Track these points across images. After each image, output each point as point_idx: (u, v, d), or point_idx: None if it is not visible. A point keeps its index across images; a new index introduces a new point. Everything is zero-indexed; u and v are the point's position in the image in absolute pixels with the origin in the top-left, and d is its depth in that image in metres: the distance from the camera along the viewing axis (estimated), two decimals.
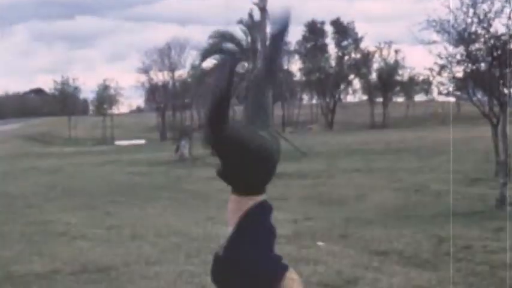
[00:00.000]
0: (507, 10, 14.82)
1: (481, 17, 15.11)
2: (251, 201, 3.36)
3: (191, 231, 11.38)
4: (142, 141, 72.94)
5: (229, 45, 37.91)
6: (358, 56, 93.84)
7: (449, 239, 9.63)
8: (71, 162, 35.77)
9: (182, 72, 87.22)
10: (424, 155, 28.02)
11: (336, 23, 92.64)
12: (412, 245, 9.58)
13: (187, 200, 16.95)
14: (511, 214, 12.62)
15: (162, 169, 28.08)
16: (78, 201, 16.84)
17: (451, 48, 15.91)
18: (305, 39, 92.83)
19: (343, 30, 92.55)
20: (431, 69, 16.80)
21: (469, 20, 15.33)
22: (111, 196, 18.00)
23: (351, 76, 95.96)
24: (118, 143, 71.63)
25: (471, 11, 15.19)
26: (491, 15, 15.03)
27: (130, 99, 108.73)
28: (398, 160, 26.69)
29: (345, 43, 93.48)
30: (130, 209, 15.11)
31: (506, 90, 15.63)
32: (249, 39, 36.18)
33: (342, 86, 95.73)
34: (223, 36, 37.44)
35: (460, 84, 17.06)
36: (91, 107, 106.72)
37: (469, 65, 15.77)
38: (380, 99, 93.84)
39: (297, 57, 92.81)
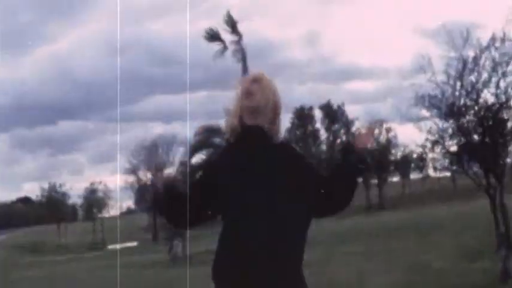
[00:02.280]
0: (495, 79, 14.71)
1: (469, 89, 14.99)
2: None
3: None
4: (135, 243, 72.20)
5: (217, 139, 37.96)
6: (350, 138, 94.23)
7: None
8: (62, 270, 35.22)
9: (171, 170, 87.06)
10: (423, 233, 27.65)
11: (325, 107, 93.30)
12: None
13: None
14: None
15: (154, 271, 27.61)
16: None
17: (441, 124, 15.75)
18: (294, 126, 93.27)
19: (332, 114, 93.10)
20: (423, 146, 16.62)
21: (457, 93, 15.21)
22: None
23: None
24: (111, 247, 70.91)
25: (458, 83, 15.07)
26: (479, 86, 14.92)
27: (120, 201, 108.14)
28: (399, 241, 26.29)
29: (335, 127, 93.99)
30: None
31: (501, 161, 15.43)
32: None
33: None
34: (210, 131, 37.34)
35: (454, 159, 16.79)
36: (80, 212, 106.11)
37: (462, 138, 15.59)
38: (375, 181, 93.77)
39: None
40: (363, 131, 3.91)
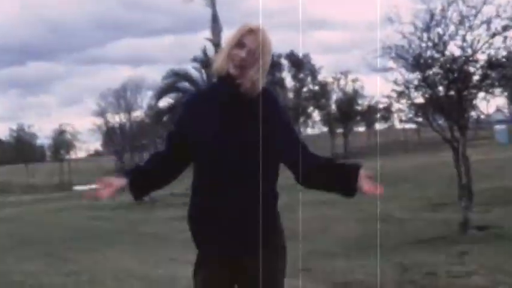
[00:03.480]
0: (461, 32, 14.76)
1: (436, 40, 15.02)
2: None
3: (151, 273, 10.98)
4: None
5: (185, 84, 37.78)
6: (316, 87, 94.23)
7: (413, 267, 9.59)
8: (29, 210, 35.14)
9: (139, 114, 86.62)
10: (387, 184, 27.84)
11: (291, 56, 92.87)
12: (375, 275, 9.30)
13: (147, 243, 16.56)
14: (475, 237, 12.60)
15: (121, 212, 27.64)
16: (36, 249, 16.33)
17: (407, 75, 15.79)
18: None
19: (298, 63, 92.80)
20: (389, 97, 16.65)
21: (423, 45, 15.24)
22: (70, 242, 17.64)
23: (310, 108, 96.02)
24: (76, 188, 70.68)
25: (425, 35, 15.10)
26: (445, 38, 14.96)
27: (88, 143, 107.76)
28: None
29: (301, 75, 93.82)
30: (89, 254, 14.63)
31: (465, 114, 15.56)
32: (204, 76, 35.90)
33: (302, 119, 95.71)
34: (178, 75, 37.17)
35: (420, 110, 16.89)
36: (48, 153, 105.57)
37: (427, 90, 15.66)
38: (340, 130, 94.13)
39: None
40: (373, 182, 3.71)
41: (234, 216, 3.49)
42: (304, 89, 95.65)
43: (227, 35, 3.94)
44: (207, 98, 3.73)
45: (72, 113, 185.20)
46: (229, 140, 3.50)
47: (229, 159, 3.48)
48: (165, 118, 40.78)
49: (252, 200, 3.51)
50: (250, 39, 3.58)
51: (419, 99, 16.25)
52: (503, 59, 15.22)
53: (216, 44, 28.08)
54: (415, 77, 15.67)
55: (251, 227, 3.52)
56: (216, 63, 3.67)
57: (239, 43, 3.58)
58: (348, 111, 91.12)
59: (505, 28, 14.42)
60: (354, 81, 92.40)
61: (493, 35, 14.55)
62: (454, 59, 15.07)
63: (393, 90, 16.04)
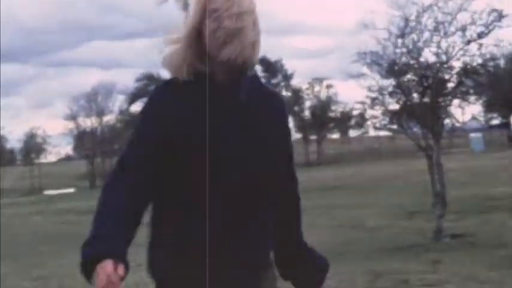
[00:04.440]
0: (436, 39, 14.67)
1: (410, 47, 14.92)
2: None
3: None
4: (72, 190, 71.58)
5: None
6: (290, 93, 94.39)
7: (385, 274, 9.47)
8: None
9: (110, 118, 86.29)
10: (360, 191, 27.86)
11: (263, 61, 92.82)
12: (346, 282, 9.25)
13: None
14: (448, 246, 12.58)
15: (91, 217, 27.32)
16: (5, 253, 16.10)
17: (380, 81, 15.69)
18: None
19: (271, 68, 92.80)
20: (363, 103, 16.55)
21: (398, 51, 15.14)
22: (39, 247, 17.62)
23: None
24: (47, 192, 70.22)
25: (400, 41, 15.00)
26: (420, 44, 14.86)
27: (59, 147, 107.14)
28: (335, 197, 26.45)
29: (274, 81, 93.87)
30: (58, 259, 14.55)
31: (439, 121, 15.48)
32: None
33: None
34: (150, 79, 37.01)
35: (394, 117, 16.80)
36: (18, 157, 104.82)
37: (401, 96, 15.57)
38: (314, 137, 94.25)
39: None
40: None
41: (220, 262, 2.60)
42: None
43: None
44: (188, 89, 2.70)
45: (43, 116, 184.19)
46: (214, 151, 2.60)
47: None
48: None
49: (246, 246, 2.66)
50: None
51: (394, 106, 16.16)
52: (478, 67, 15.19)
53: None
54: (389, 83, 15.60)
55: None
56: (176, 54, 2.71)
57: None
58: (322, 117, 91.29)
59: (480, 35, 14.36)
60: (328, 87, 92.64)
61: (468, 42, 14.49)
62: (428, 66, 14.99)
63: (367, 96, 15.95)
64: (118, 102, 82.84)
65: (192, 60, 2.65)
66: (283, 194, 2.86)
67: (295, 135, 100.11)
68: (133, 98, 38.89)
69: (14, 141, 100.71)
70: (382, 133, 71.05)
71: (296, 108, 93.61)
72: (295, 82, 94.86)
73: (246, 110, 2.68)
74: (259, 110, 2.72)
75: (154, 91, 2.78)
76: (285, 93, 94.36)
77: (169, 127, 2.60)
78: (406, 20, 14.75)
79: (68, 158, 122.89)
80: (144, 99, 2.98)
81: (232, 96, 2.66)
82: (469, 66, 14.94)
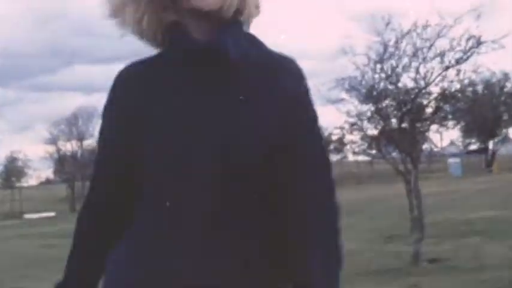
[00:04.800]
0: (415, 64, 14.77)
1: (389, 72, 15.01)
2: None
3: None
4: (52, 214, 71.02)
5: None
6: None
7: None
8: None
9: (91, 142, 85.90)
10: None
11: None
12: None
13: None
14: (426, 270, 12.60)
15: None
16: None
17: (359, 106, 15.76)
18: None
19: None
20: (342, 128, 16.60)
21: (376, 76, 15.22)
22: (20, 271, 17.39)
23: None
24: (27, 216, 69.68)
25: (378, 67, 15.09)
26: (399, 70, 14.95)
27: (39, 170, 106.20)
28: None
29: None
30: (39, 283, 14.38)
31: (417, 146, 15.57)
32: None
33: None
34: None
35: (373, 142, 16.87)
36: None
37: (380, 121, 15.64)
38: None
39: None
40: None
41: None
42: None
43: None
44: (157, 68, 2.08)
45: (24, 140, 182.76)
46: (195, 144, 1.90)
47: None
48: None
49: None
50: None
51: (372, 131, 16.22)
52: (457, 92, 15.30)
53: None
54: (368, 108, 15.65)
55: None
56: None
57: None
58: None
59: (458, 61, 14.45)
60: None
61: (447, 68, 14.57)
62: (407, 91, 15.07)
63: (346, 121, 16.00)
64: (98, 126, 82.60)
65: (155, 8, 1.95)
66: (287, 201, 2.12)
67: None
68: None
69: None
70: (361, 158, 71.39)
71: None
72: None
73: (236, 81, 1.99)
74: (254, 84, 2.05)
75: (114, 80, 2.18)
76: None
77: (136, 129, 2.06)
78: (385, 46, 14.85)
79: (48, 182, 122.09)
80: None
81: (213, 58, 1.92)
82: (447, 92, 14.99)
